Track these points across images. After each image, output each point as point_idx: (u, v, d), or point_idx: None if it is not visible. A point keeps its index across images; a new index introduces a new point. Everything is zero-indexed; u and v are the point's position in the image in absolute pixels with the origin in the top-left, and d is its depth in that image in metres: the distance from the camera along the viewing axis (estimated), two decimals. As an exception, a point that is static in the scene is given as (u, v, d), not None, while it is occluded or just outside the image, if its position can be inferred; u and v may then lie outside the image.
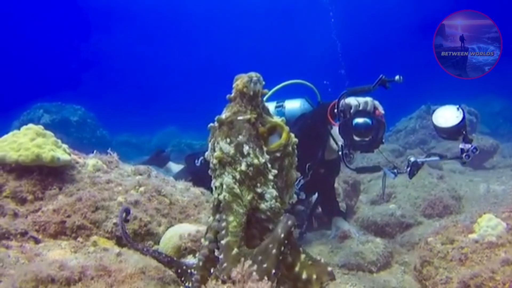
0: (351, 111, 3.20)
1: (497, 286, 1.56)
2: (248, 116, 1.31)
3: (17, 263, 1.48)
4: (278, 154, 1.36)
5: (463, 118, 2.80)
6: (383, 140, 3.50)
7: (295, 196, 3.62)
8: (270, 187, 1.32)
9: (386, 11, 26.94)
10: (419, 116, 10.37)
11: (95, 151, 2.65)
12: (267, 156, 1.34)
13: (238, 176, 1.30)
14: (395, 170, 3.35)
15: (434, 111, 2.97)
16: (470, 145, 2.81)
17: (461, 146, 2.85)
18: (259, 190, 1.31)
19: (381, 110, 3.26)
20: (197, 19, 34.60)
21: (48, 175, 2.18)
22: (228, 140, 1.30)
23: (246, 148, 1.29)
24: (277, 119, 1.38)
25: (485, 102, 14.99)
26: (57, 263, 1.29)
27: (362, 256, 3.55)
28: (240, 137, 1.29)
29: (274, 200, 1.32)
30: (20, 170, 2.13)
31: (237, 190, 1.30)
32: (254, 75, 1.37)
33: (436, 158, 3.18)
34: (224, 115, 1.34)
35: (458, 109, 2.82)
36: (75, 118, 13.95)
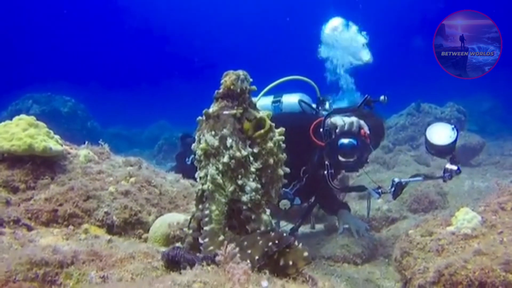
0: (337, 131, 3.22)
1: (468, 275, 1.66)
2: (234, 111, 1.38)
3: (11, 248, 1.53)
4: (256, 150, 1.41)
5: (456, 139, 2.84)
6: (368, 160, 3.55)
7: (288, 203, 3.58)
8: (251, 179, 1.40)
9: (376, 10, 27.03)
10: (409, 113, 10.48)
11: (86, 142, 2.70)
12: (250, 150, 1.41)
13: (221, 168, 1.38)
14: (380, 190, 3.46)
15: (429, 125, 3.01)
16: (455, 167, 2.88)
17: (447, 165, 2.94)
18: (239, 182, 1.39)
19: (366, 130, 3.29)
20: (191, 13, 34.39)
21: (40, 165, 2.21)
22: (213, 132, 1.38)
23: (229, 141, 1.37)
24: (262, 113, 1.44)
25: (474, 101, 15.25)
26: (50, 248, 1.34)
27: (347, 248, 3.65)
28: (225, 130, 1.37)
29: (254, 193, 1.40)
30: (12, 159, 2.17)
31: (220, 181, 1.38)
32: (241, 73, 1.44)
33: (420, 178, 3.26)
34: (211, 109, 1.42)
35: (453, 129, 2.86)
36: (65, 109, 13.81)
